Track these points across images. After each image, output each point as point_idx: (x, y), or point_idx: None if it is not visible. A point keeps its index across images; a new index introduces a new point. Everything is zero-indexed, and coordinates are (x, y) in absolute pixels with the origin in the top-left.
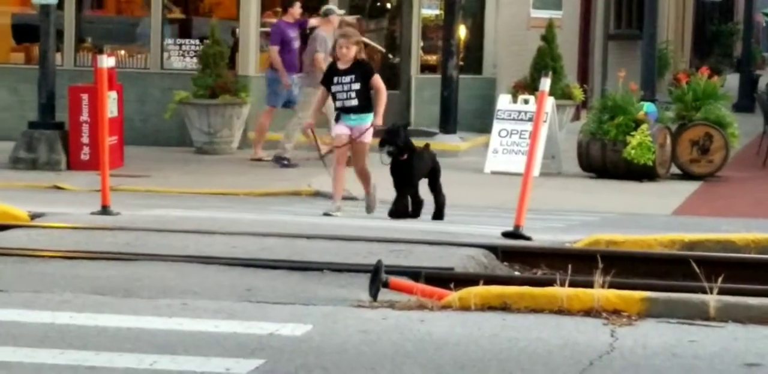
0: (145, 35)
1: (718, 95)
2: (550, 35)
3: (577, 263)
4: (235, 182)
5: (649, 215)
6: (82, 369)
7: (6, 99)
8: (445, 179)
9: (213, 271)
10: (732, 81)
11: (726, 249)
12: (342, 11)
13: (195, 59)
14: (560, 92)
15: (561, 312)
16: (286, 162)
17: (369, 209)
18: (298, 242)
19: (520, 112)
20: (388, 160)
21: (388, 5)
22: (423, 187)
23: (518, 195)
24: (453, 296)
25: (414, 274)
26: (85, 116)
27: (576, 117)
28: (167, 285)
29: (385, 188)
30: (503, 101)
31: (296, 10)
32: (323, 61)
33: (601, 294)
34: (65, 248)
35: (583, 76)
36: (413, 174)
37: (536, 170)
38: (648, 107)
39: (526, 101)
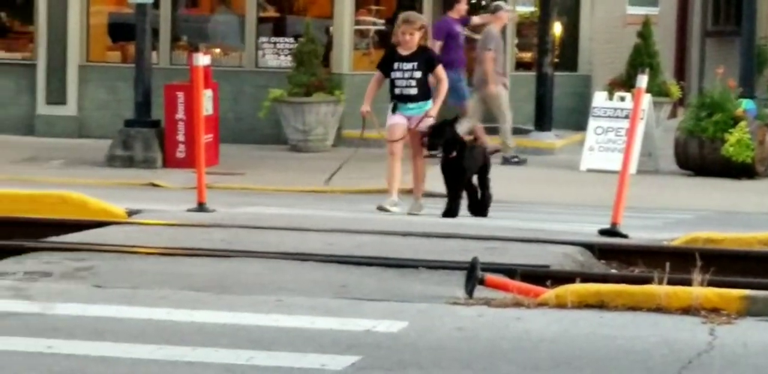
0: (239, 33)
1: None
2: (647, 32)
3: (675, 262)
4: (330, 180)
5: (748, 213)
6: (181, 364)
7: (103, 97)
8: (540, 177)
9: (307, 268)
10: None
11: None
12: (510, 7)
13: (289, 57)
14: (657, 89)
15: (659, 310)
16: (516, 159)
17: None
18: (392, 239)
19: (616, 109)
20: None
21: (483, 3)
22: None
23: (614, 193)
24: (549, 293)
25: (509, 271)
26: (180, 114)
27: (673, 114)
28: (262, 281)
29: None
30: (599, 98)
31: (462, 5)
32: (492, 60)
33: (699, 291)
34: (161, 245)
35: (680, 73)
36: (464, 172)
37: (633, 168)
38: (747, 103)
39: (622, 98)
